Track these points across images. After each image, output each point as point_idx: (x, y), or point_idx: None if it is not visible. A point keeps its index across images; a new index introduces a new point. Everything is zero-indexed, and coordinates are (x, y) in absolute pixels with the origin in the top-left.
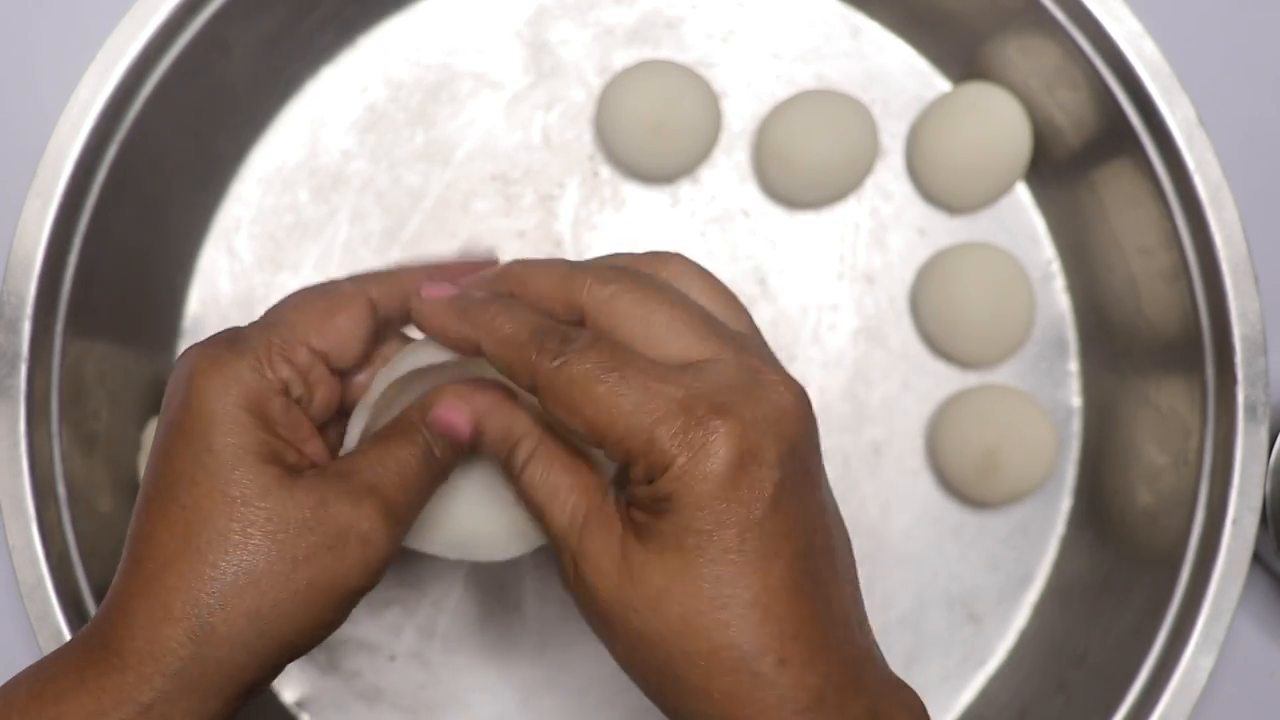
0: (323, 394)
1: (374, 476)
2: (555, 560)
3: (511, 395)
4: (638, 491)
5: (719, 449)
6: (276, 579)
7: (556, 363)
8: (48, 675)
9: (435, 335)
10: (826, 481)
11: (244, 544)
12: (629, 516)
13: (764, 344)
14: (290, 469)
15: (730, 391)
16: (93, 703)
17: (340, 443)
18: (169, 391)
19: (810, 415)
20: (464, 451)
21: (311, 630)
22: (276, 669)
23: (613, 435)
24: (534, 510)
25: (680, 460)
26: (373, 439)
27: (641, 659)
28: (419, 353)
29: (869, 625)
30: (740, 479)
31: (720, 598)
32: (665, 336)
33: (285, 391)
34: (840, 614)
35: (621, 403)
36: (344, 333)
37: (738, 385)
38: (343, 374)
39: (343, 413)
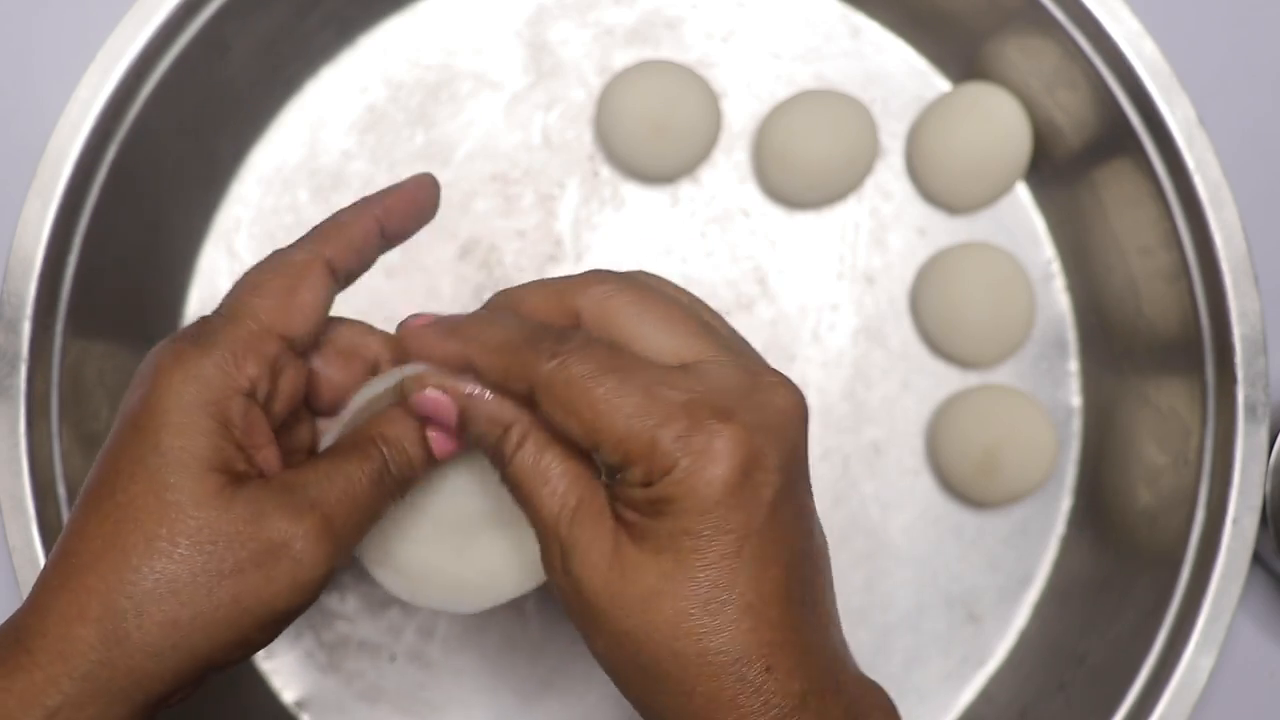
0: (289, 380)
1: (318, 492)
2: (541, 549)
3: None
4: (633, 493)
5: (723, 454)
6: (198, 590)
7: (554, 362)
8: None
9: (424, 359)
10: (810, 490)
11: (170, 551)
12: (619, 513)
13: (749, 345)
14: (235, 478)
15: (732, 395)
16: None
17: (299, 448)
18: (132, 384)
19: (806, 418)
20: (420, 471)
21: (231, 648)
22: (193, 683)
23: (612, 438)
24: (522, 496)
25: (683, 464)
26: (326, 452)
27: (625, 657)
28: (398, 372)
29: (839, 621)
30: (743, 485)
31: (714, 602)
32: (660, 336)
33: (250, 392)
34: (823, 617)
35: (623, 405)
36: (308, 308)
37: (738, 388)
38: (305, 354)
39: (308, 406)
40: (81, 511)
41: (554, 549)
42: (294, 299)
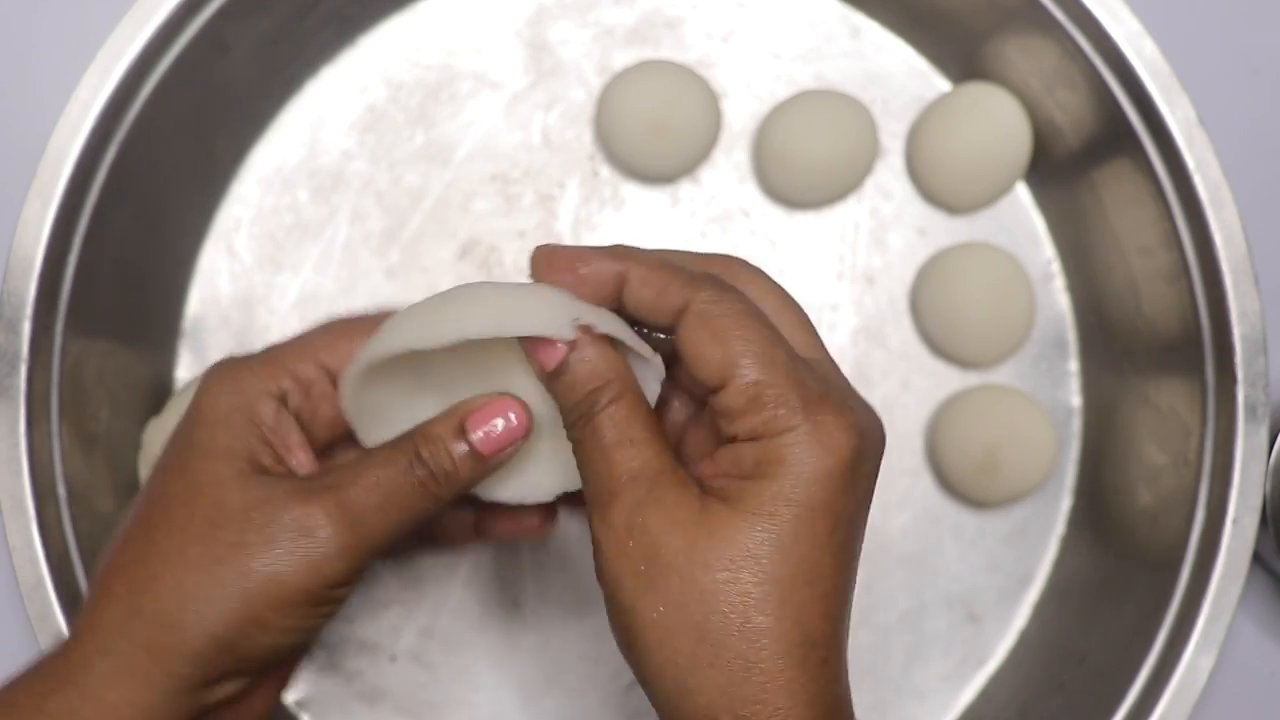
0: (326, 410)
1: (338, 480)
2: (590, 512)
3: (608, 338)
4: (740, 450)
5: (843, 437)
6: (207, 560)
7: (715, 292)
8: (39, 665)
9: (566, 274)
10: None
11: (185, 526)
12: (706, 482)
13: None
14: (260, 469)
15: (851, 396)
16: (41, 685)
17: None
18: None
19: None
20: (465, 472)
21: (242, 626)
22: (216, 667)
23: (748, 377)
24: (599, 449)
25: (805, 429)
26: (362, 452)
27: (688, 621)
28: (404, 327)
29: None
30: (850, 473)
31: (800, 577)
32: (788, 326)
33: (281, 398)
34: (847, 629)
35: (774, 353)
36: (351, 352)
37: (853, 394)
38: None
39: (351, 440)
40: (128, 511)
41: (624, 505)
42: (347, 340)
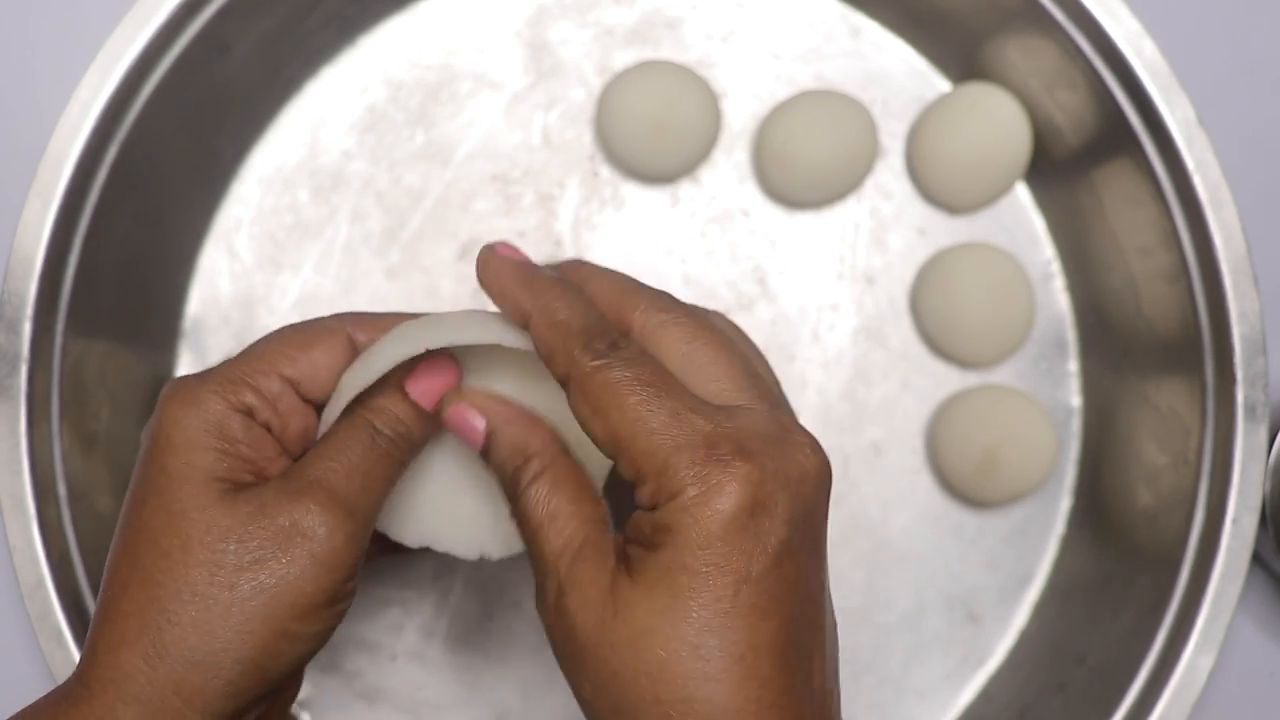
0: (296, 424)
1: (315, 471)
2: (537, 593)
3: (529, 413)
4: (638, 519)
5: (732, 490)
6: (219, 589)
7: (598, 362)
8: (31, 712)
9: (491, 289)
10: (826, 562)
11: (184, 559)
12: (624, 552)
13: (790, 407)
14: (240, 487)
15: (757, 439)
16: None
17: None
18: (146, 424)
19: (828, 486)
20: (418, 429)
21: (273, 643)
22: (249, 695)
23: (631, 449)
24: (528, 531)
25: (690, 492)
26: (323, 437)
27: (610, 701)
28: (389, 350)
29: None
30: (748, 526)
31: (704, 647)
32: (706, 375)
33: (249, 413)
34: (820, 691)
35: (649, 419)
36: (318, 364)
37: (765, 435)
38: (319, 406)
39: None
40: (112, 551)
41: (550, 587)
42: (305, 351)
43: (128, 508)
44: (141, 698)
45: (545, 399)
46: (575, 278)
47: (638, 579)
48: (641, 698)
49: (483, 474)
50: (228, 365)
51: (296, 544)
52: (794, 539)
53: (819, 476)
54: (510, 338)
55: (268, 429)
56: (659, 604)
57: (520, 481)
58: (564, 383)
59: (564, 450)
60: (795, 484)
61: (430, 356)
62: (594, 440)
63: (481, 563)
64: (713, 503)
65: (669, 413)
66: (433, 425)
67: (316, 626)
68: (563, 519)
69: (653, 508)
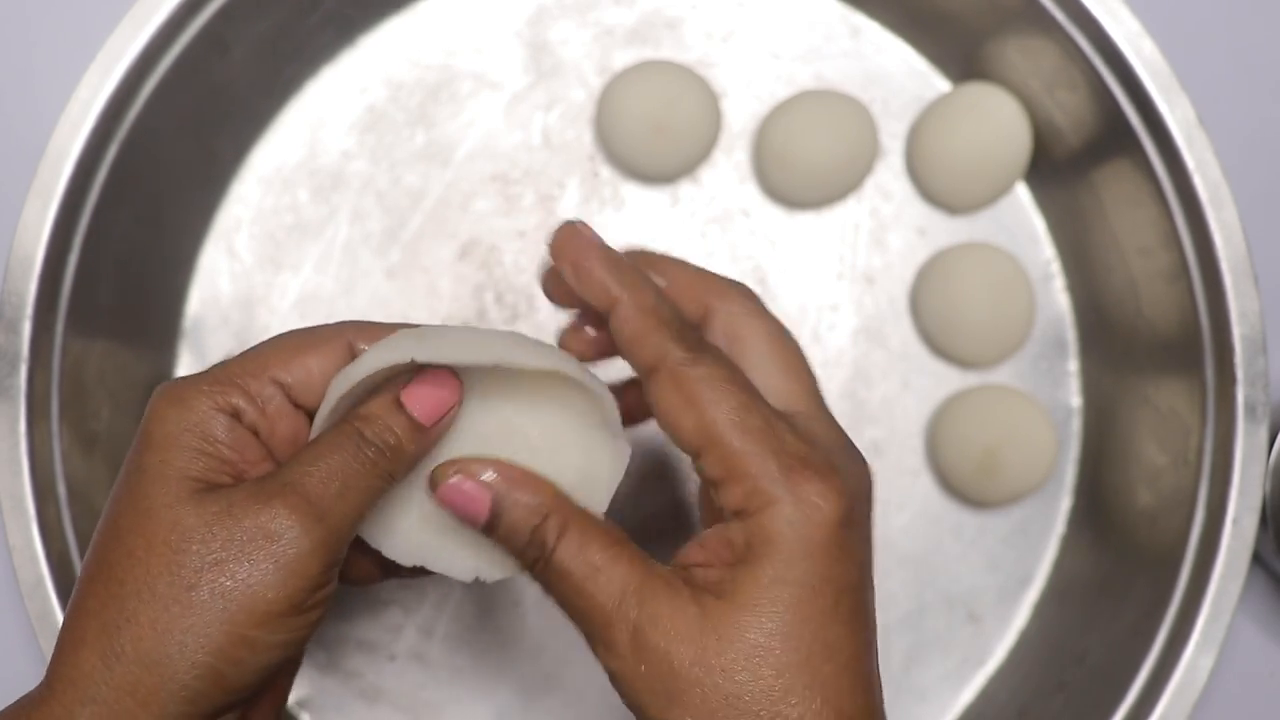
0: (284, 428)
1: (292, 476)
2: (591, 645)
3: (528, 471)
4: (726, 532)
5: (830, 505)
6: (180, 590)
7: (692, 354)
8: (7, 714)
9: (574, 269)
10: None
11: (146, 558)
12: (688, 578)
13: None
14: (214, 487)
15: (839, 453)
16: None
17: None
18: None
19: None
20: (408, 442)
21: (229, 650)
22: (207, 701)
23: (725, 447)
24: (570, 587)
25: (787, 503)
26: (306, 444)
27: None
28: (376, 355)
29: None
30: (845, 540)
31: (817, 657)
32: (777, 375)
33: (234, 414)
34: (880, 685)
35: (748, 420)
36: (313, 369)
37: (841, 447)
38: (312, 413)
39: None
40: (88, 550)
41: (621, 633)
42: (300, 356)
43: (107, 505)
44: (99, 698)
45: (543, 420)
46: (653, 264)
47: (733, 599)
48: (759, 717)
49: None
50: (220, 367)
51: (260, 547)
52: (867, 545)
53: (871, 483)
54: (511, 358)
55: (254, 432)
56: (766, 622)
57: (545, 543)
58: (649, 371)
59: (568, 496)
60: (866, 496)
61: (431, 368)
62: (674, 432)
63: (477, 584)
64: (813, 515)
65: (763, 418)
66: (428, 440)
67: (281, 635)
68: (608, 563)
69: (738, 512)
